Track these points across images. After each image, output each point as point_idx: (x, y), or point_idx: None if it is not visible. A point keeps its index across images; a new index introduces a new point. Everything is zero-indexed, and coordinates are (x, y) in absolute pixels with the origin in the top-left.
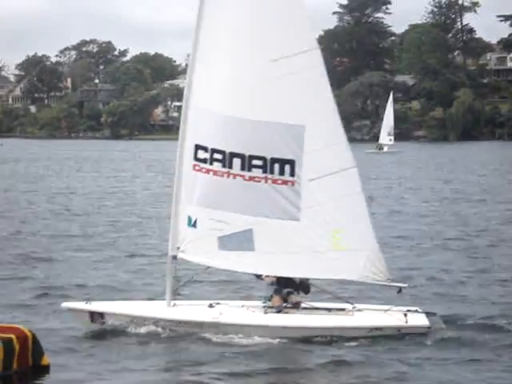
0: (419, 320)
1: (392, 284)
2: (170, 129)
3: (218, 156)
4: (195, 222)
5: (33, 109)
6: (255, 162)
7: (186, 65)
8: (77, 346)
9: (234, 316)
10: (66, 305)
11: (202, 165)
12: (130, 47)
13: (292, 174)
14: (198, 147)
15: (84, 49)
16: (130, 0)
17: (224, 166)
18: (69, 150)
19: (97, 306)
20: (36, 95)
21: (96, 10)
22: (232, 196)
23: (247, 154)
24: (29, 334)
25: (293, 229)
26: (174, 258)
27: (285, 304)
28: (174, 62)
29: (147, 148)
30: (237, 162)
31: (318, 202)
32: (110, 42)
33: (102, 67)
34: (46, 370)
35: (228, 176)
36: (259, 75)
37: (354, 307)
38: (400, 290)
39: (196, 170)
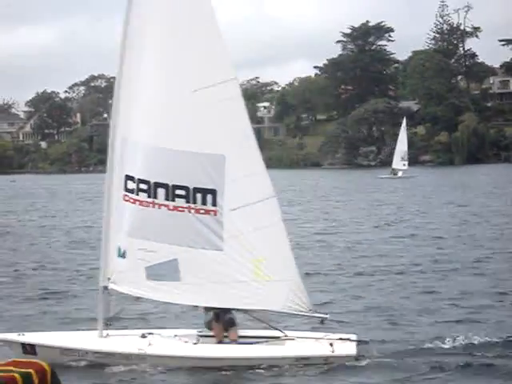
0: (346, 349)
1: (314, 315)
2: None
3: (143, 186)
4: (124, 252)
5: (43, 144)
6: (178, 191)
7: None
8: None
9: (162, 347)
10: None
11: (130, 195)
12: None
13: (214, 203)
14: (127, 177)
15: (92, 84)
16: None
17: (149, 196)
18: (80, 185)
19: (29, 337)
20: (46, 131)
21: (103, 46)
22: (157, 226)
23: (171, 183)
24: (47, 368)
25: (216, 259)
26: (105, 288)
27: (225, 334)
28: None
29: None
30: (161, 191)
31: (240, 231)
32: None
33: (110, 101)
34: None
35: (153, 206)
36: (180, 106)
37: (286, 336)
38: (322, 321)
39: (125, 201)
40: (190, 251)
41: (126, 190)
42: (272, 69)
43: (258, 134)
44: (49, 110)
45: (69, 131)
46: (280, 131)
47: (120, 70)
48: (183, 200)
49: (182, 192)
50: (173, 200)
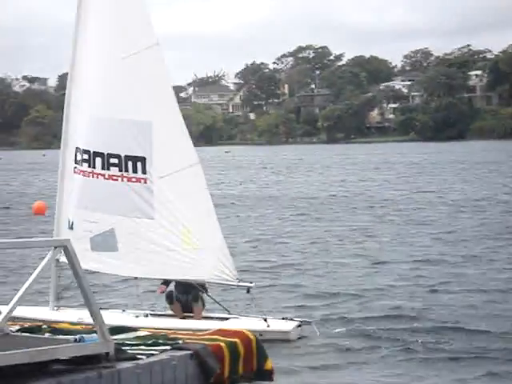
0: (282, 326)
1: (240, 284)
2: (385, 131)
3: (85, 156)
4: (72, 223)
5: (252, 116)
6: (112, 160)
7: (402, 66)
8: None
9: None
10: None
11: (78, 166)
12: (345, 51)
13: (144, 171)
14: (76, 150)
15: (300, 55)
16: (344, 3)
17: (89, 166)
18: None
19: None
20: (255, 102)
21: (312, 15)
22: (97, 195)
23: (106, 152)
24: (253, 337)
25: (149, 227)
26: (57, 261)
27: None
28: (390, 63)
29: (365, 151)
30: (98, 161)
31: (168, 199)
32: (325, 47)
33: (318, 72)
34: (270, 374)
35: (93, 176)
36: (110, 75)
37: (235, 316)
38: (248, 290)
39: (74, 173)
40: (125, 220)
41: (75, 162)
42: (487, 36)
43: (469, 102)
44: (258, 81)
45: (277, 102)
46: (493, 100)
47: (73, 50)
48: (117, 168)
49: (115, 160)
50: (108, 169)
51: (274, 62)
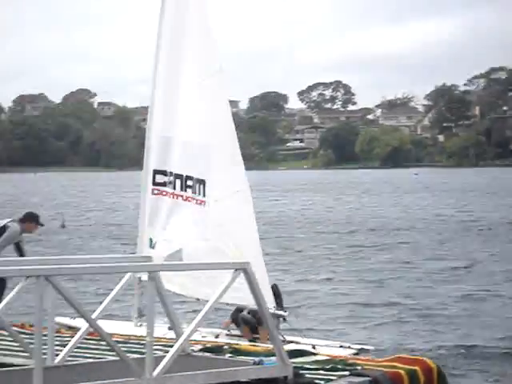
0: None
1: (276, 312)
2: None
3: (166, 179)
4: (154, 243)
5: (441, 138)
6: (189, 182)
7: None
8: None
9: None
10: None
11: (156, 188)
12: None
13: (204, 194)
14: (155, 172)
15: (492, 76)
16: None
17: (172, 188)
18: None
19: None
20: (444, 124)
21: (506, 35)
22: (172, 216)
23: (184, 174)
24: (433, 366)
25: (204, 250)
26: (140, 279)
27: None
28: None
29: None
30: (178, 182)
31: (220, 223)
32: None
33: (510, 94)
34: None
35: (169, 196)
36: (186, 97)
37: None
38: (284, 318)
39: (153, 194)
40: (190, 242)
41: (154, 183)
42: None
43: None
44: (447, 103)
45: (467, 124)
46: None
47: (154, 71)
48: (190, 190)
49: (190, 182)
50: (185, 190)
51: (465, 84)
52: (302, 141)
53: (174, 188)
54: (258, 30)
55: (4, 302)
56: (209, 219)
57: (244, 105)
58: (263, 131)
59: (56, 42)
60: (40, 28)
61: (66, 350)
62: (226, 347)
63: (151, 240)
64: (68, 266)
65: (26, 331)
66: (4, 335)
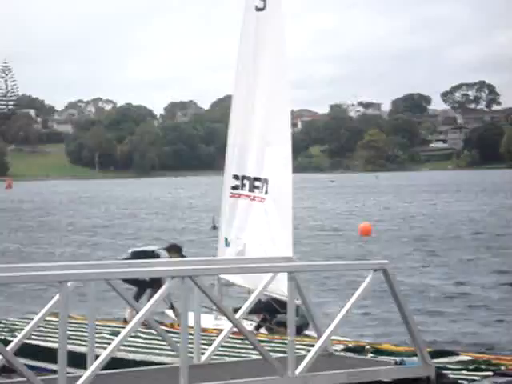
0: None
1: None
2: None
3: (237, 182)
4: (229, 242)
5: None
6: (256, 183)
7: None
8: None
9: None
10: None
11: (232, 190)
12: None
13: (266, 192)
14: (233, 176)
15: None
16: None
17: (241, 189)
18: None
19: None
20: None
21: None
22: (243, 215)
23: (252, 176)
24: None
25: (263, 245)
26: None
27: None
28: None
29: None
30: (246, 183)
31: (275, 219)
32: None
33: None
34: None
35: (240, 197)
36: (255, 105)
37: None
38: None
39: (230, 196)
40: (255, 238)
41: (232, 187)
42: None
43: None
44: None
45: None
46: None
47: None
48: (258, 190)
49: (257, 183)
50: (252, 191)
51: None
52: (445, 141)
53: (242, 189)
54: (403, 29)
55: (152, 301)
56: (267, 216)
57: (387, 107)
58: (406, 132)
59: (204, 52)
60: (189, 39)
61: (211, 348)
62: (367, 347)
63: (226, 239)
64: (211, 267)
65: (174, 330)
66: (153, 334)
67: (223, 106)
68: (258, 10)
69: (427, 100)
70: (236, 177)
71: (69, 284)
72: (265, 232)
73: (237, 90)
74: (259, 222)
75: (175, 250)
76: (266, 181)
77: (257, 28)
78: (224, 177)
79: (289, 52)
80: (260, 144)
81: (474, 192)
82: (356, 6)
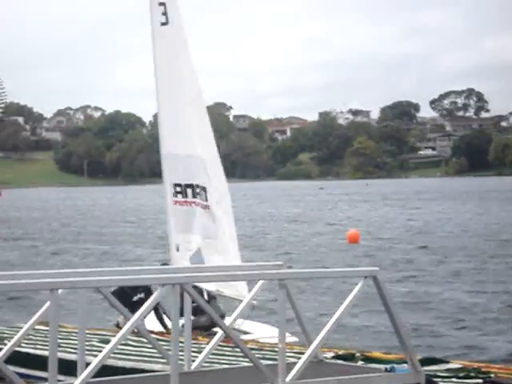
0: None
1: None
2: None
3: (178, 189)
4: (178, 246)
5: None
6: (198, 190)
7: None
8: None
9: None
10: None
11: (175, 198)
12: None
13: (206, 199)
14: (174, 185)
15: None
16: None
17: (183, 196)
18: None
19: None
20: None
21: None
22: (188, 220)
23: (194, 183)
24: None
25: (217, 248)
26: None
27: None
28: None
29: None
30: (189, 191)
31: (222, 222)
32: None
33: None
34: None
35: (186, 204)
36: (181, 116)
37: None
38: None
39: (174, 204)
40: (205, 241)
41: (174, 194)
42: None
43: None
44: None
45: None
46: None
47: (156, 94)
48: (199, 196)
49: (198, 190)
50: (195, 197)
51: None
52: (434, 149)
53: (187, 196)
54: (392, 36)
55: (142, 309)
56: (213, 220)
57: (375, 114)
58: (395, 140)
59: (195, 57)
60: None
61: (201, 356)
62: (357, 354)
63: (176, 244)
64: (201, 275)
65: (165, 338)
66: (144, 342)
67: (211, 112)
68: (163, 24)
69: (416, 107)
70: (178, 185)
71: (59, 292)
72: (213, 236)
73: (158, 103)
74: (206, 226)
75: None
76: (204, 189)
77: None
78: (165, 185)
79: (194, 64)
80: (196, 156)
81: (462, 199)
82: (346, 14)
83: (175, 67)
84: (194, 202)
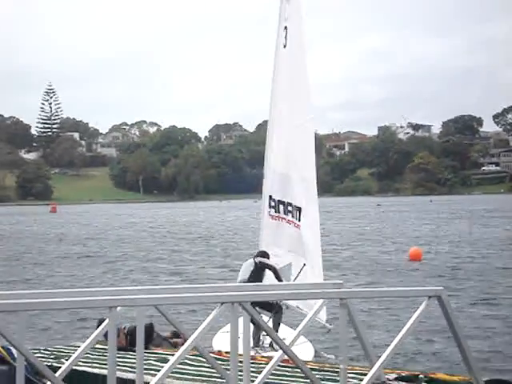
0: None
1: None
2: None
3: (272, 203)
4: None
5: None
6: (289, 207)
7: None
8: None
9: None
10: None
11: (270, 212)
12: None
13: (299, 219)
14: (270, 198)
15: None
16: None
17: (276, 211)
18: None
19: None
20: None
21: None
22: (280, 235)
23: (286, 201)
24: None
25: (300, 265)
26: None
27: None
28: None
29: None
30: (281, 207)
31: (308, 243)
32: None
33: None
34: None
35: (278, 219)
36: (289, 136)
37: None
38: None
39: (269, 217)
40: (295, 257)
41: (269, 207)
42: None
43: None
44: None
45: None
46: None
47: (270, 113)
48: (290, 215)
49: (290, 208)
50: (286, 214)
51: None
52: (497, 164)
53: (279, 212)
54: (454, 50)
55: (200, 328)
56: (302, 240)
57: (437, 129)
58: (457, 155)
59: (248, 74)
60: (232, 60)
61: (260, 377)
62: (421, 376)
63: None
64: (261, 293)
65: (223, 357)
66: (202, 361)
67: None
68: (284, 46)
69: (479, 122)
70: (273, 200)
71: (118, 309)
72: (300, 253)
73: (270, 121)
74: (293, 243)
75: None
76: (299, 209)
77: (283, 62)
78: (263, 198)
79: (311, 91)
80: (295, 176)
81: None
82: (409, 26)
83: (293, 89)
84: (285, 219)
